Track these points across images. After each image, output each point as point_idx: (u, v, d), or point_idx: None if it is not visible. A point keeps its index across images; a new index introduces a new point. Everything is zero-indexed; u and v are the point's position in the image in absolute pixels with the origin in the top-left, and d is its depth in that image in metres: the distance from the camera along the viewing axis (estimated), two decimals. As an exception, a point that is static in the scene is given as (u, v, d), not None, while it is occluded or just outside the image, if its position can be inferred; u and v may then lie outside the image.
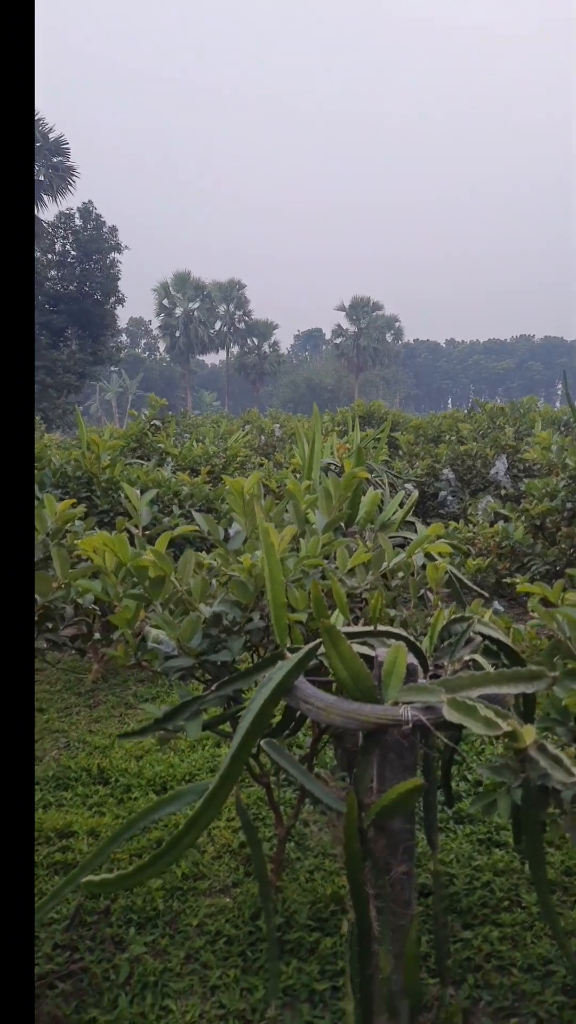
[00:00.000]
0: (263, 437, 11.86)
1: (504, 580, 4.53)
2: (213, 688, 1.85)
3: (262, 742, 1.62)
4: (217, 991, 2.23)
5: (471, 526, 4.82)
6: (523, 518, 4.64)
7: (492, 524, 4.75)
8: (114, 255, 33.26)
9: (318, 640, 1.54)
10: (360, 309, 62.80)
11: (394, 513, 3.50)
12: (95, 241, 32.48)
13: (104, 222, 33.03)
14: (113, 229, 33.07)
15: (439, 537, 2.41)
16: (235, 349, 60.37)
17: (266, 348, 60.47)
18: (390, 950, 1.47)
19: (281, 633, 1.62)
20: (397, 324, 67.46)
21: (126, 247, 33.65)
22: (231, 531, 2.50)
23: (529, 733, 1.25)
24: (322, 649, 1.59)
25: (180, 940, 2.44)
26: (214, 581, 2.24)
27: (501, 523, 4.61)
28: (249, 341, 59.95)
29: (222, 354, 60.60)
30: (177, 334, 52.14)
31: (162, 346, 56.97)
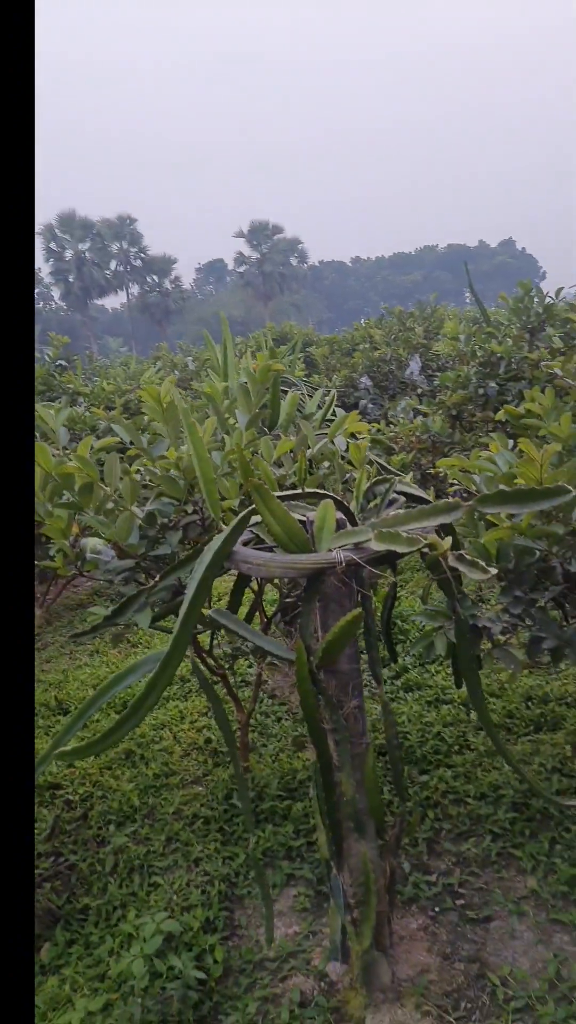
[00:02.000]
0: (176, 372, 11.64)
1: (428, 472, 4.71)
2: (158, 579, 1.91)
3: (211, 611, 1.70)
4: (201, 862, 2.39)
5: (392, 426, 4.95)
6: (440, 411, 4.79)
7: (412, 421, 4.88)
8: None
9: (249, 508, 1.61)
10: (260, 233, 61.11)
11: (316, 412, 3.56)
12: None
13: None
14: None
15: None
16: (135, 289, 58.09)
17: (167, 284, 58.40)
18: (351, 775, 1.62)
19: (214, 507, 1.68)
20: (300, 246, 66.11)
21: None
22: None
23: (446, 543, 1.36)
24: (255, 518, 1.67)
25: (159, 828, 2.57)
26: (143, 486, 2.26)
27: (420, 418, 4.75)
28: (149, 279, 57.68)
29: (122, 296, 58.28)
30: (71, 279, 49.65)
31: (56, 294, 54.07)
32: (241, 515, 1.55)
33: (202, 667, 2.02)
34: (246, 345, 10.21)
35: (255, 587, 2.61)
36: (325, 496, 1.69)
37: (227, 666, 2.81)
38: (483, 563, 1.35)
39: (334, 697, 1.61)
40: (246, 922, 2.18)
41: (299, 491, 1.75)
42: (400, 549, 1.32)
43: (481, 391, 4.34)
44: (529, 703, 2.98)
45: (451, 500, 1.47)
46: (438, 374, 6.27)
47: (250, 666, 3.72)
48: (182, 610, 1.50)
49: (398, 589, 4.31)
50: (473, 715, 2.94)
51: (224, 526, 1.65)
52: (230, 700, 2.76)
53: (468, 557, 1.38)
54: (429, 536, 1.36)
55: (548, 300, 4.20)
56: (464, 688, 3.07)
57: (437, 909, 2.11)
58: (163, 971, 1.88)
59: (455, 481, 2.22)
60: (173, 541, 2.10)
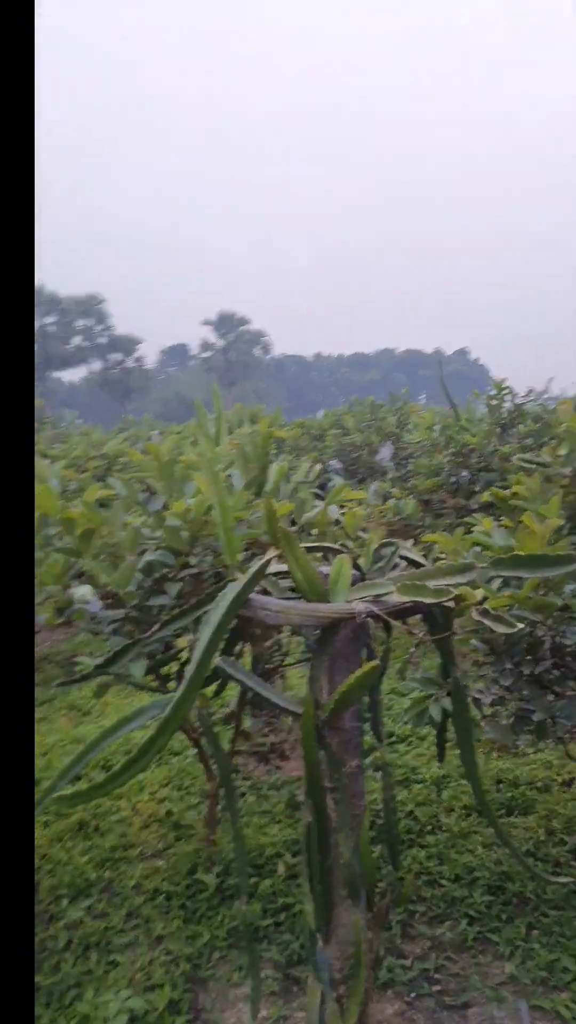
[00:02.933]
0: (141, 444, 11.73)
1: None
2: (157, 627, 1.89)
3: (219, 659, 1.68)
4: (163, 940, 2.25)
5: (364, 506, 5.08)
6: (411, 495, 4.95)
7: (383, 504, 5.03)
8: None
9: (267, 557, 1.63)
10: (227, 323, 63.38)
11: (303, 480, 3.65)
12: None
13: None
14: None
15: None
16: (96, 365, 58.94)
17: (130, 363, 59.49)
18: (349, 837, 1.58)
19: (232, 554, 1.70)
20: (264, 339, 68.69)
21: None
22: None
23: (477, 594, 1.40)
24: (272, 567, 1.69)
25: (118, 903, 2.42)
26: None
27: (392, 501, 4.90)
28: (111, 357, 58.74)
29: (80, 371, 58.91)
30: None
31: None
32: (262, 562, 1.58)
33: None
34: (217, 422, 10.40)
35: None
36: (337, 551, 1.73)
37: (200, 732, 2.73)
38: (508, 617, 1.40)
39: (337, 755, 1.60)
40: (210, 1005, 2.04)
41: (318, 544, 1.79)
42: (426, 600, 1.36)
43: (453, 479, 4.51)
44: (500, 786, 2.97)
45: (467, 562, 1.53)
46: (408, 461, 6.49)
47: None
48: (197, 652, 1.49)
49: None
50: (445, 794, 2.91)
51: (239, 575, 1.66)
52: (201, 765, 2.67)
53: (492, 612, 1.42)
54: (460, 587, 1.41)
55: (518, 400, 4.47)
56: (437, 767, 3.06)
57: (413, 994, 2.03)
58: (128, 1055, 1.74)
59: (443, 555, 2.30)
60: (172, 592, 2.09)
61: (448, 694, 1.93)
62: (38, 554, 2.13)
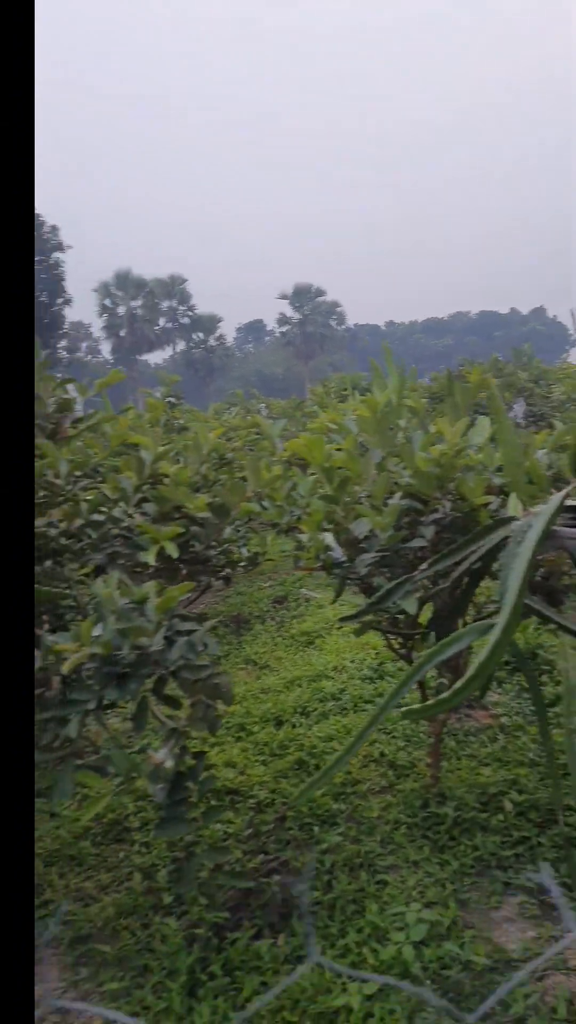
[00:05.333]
0: (249, 416, 11.94)
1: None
2: (430, 562, 1.99)
3: (529, 600, 1.76)
4: (419, 864, 2.38)
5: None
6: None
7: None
8: (57, 255, 32.71)
9: (567, 489, 1.69)
10: (303, 296, 62.97)
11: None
12: (36, 241, 31.88)
13: (44, 222, 32.43)
14: (54, 228, 32.51)
15: None
16: (180, 346, 59.94)
17: (212, 342, 60.21)
18: None
19: (519, 489, 1.77)
20: (339, 309, 67.96)
21: (68, 246, 33.14)
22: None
23: None
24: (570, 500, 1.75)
25: (366, 830, 2.57)
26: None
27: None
28: (194, 336, 59.60)
29: (163, 353, 60.03)
30: (122, 333, 51.53)
31: (105, 348, 55.94)
32: (562, 494, 1.64)
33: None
34: (326, 391, 10.46)
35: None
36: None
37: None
38: None
39: None
40: (479, 924, 2.16)
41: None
42: None
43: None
44: None
45: None
46: (542, 418, 6.37)
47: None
48: (510, 585, 1.57)
49: None
50: None
51: (530, 511, 1.73)
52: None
53: None
54: None
55: None
56: None
57: None
58: (434, 958, 1.87)
59: None
60: (428, 534, 2.19)
61: None
62: (304, 501, 2.27)
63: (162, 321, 55.05)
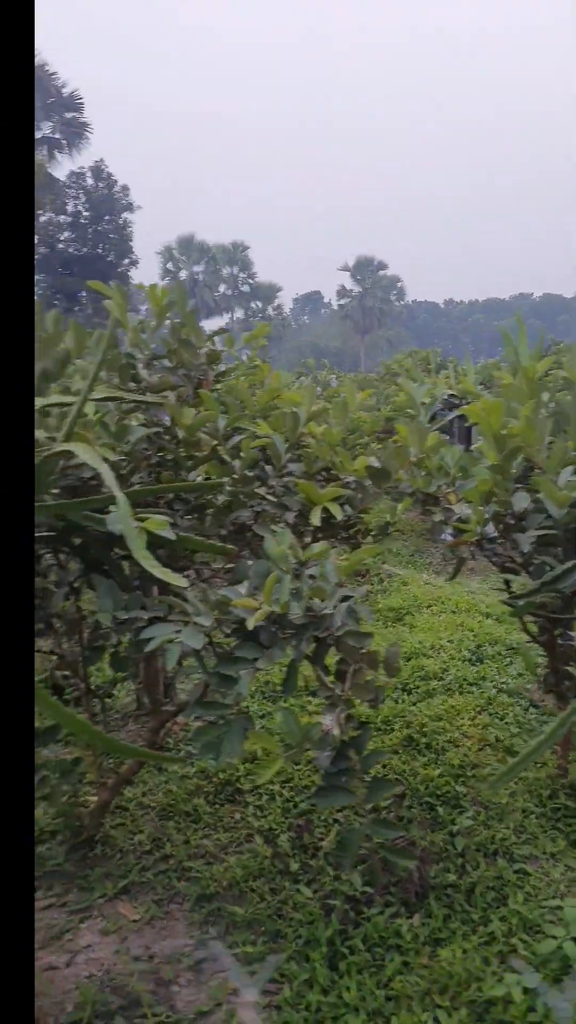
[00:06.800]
0: (320, 388, 11.83)
1: None
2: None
3: None
4: (557, 857, 2.29)
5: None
6: None
7: None
8: (126, 215, 32.55)
9: None
10: (365, 268, 61.87)
11: None
12: (107, 201, 31.73)
13: (115, 181, 32.22)
14: (125, 188, 32.28)
15: None
16: (239, 313, 59.63)
17: (270, 311, 59.75)
18: None
19: None
20: (399, 284, 66.61)
21: (138, 206, 32.88)
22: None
23: None
24: None
25: (495, 816, 2.49)
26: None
27: None
28: (253, 304, 59.20)
29: (220, 320, 59.83)
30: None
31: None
32: None
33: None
34: (397, 366, 10.25)
35: None
36: None
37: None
38: None
39: None
40: (626, 925, 2.06)
41: None
42: None
43: None
44: None
45: None
46: None
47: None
48: None
49: None
50: None
51: None
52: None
53: None
54: None
55: None
56: None
57: None
58: (597, 956, 1.79)
59: None
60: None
61: None
62: (455, 469, 2.15)
63: (222, 288, 54.80)
